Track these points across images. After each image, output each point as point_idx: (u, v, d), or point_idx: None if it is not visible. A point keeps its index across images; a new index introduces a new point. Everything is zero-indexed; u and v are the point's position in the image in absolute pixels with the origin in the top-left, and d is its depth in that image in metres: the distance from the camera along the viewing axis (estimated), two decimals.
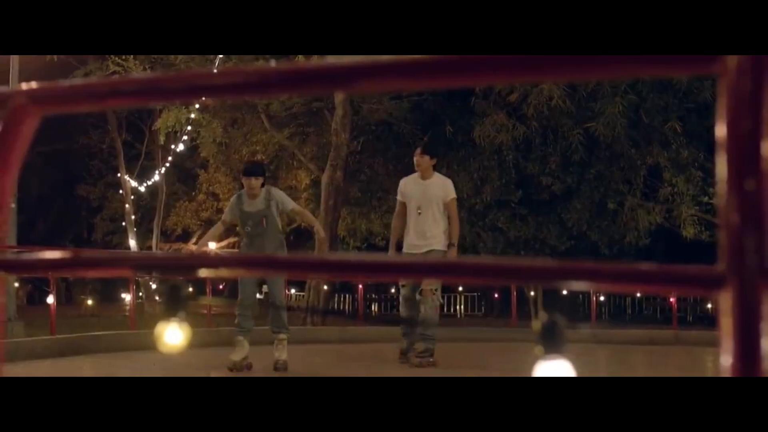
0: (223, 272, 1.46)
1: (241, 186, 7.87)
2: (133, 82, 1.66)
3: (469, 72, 1.39)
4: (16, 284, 12.23)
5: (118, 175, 26.06)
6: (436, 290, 7.98)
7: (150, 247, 27.01)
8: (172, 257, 1.50)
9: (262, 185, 7.67)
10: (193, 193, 27.81)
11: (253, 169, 7.73)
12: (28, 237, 26.08)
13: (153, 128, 19.83)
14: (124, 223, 26.95)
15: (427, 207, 7.99)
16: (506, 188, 16.75)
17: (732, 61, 1.19)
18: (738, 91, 1.19)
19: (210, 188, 25.99)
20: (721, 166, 1.16)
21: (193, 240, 29.55)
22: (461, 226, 10.52)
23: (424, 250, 7.92)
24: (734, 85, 1.18)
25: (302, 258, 1.45)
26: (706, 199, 16.51)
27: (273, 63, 1.46)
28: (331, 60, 1.39)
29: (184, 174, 28.43)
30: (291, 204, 7.84)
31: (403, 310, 8.35)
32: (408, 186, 8.21)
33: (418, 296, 8.03)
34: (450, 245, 7.98)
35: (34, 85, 1.59)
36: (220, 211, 27.36)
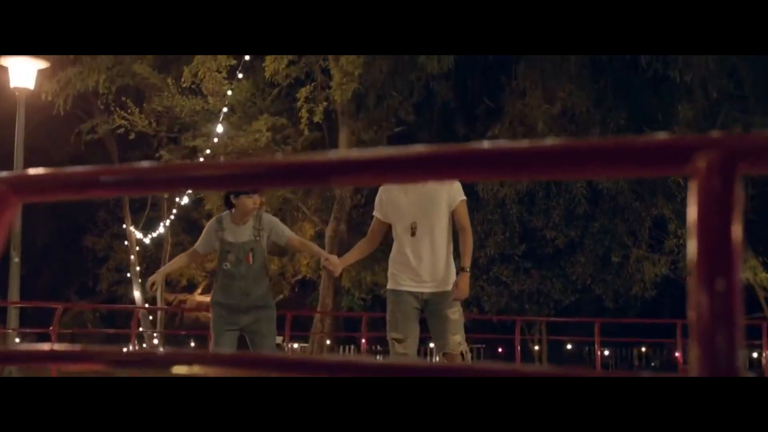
0: (201, 369, 1.44)
1: (228, 206, 5.85)
2: (115, 172, 1.66)
3: (442, 168, 1.39)
4: (17, 340, 12.20)
5: (124, 226, 26.14)
6: (465, 352, 5.52)
7: (154, 298, 27.00)
8: (148, 354, 1.49)
9: None
10: None
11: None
12: (33, 287, 26.08)
13: None
14: (129, 274, 26.96)
15: (426, 222, 5.42)
16: (510, 242, 16.71)
17: (702, 162, 1.19)
18: (709, 192, 1.19)
19: None
20: (692, 265, 1.16)
21: (198, 291, 29.51)
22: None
23: (427, 290, 5.42)
24: (705, 186, 1.18)
25: (296, 358, 1.44)
26: None
27: (279, 155, 1.47)
28: (309, 156, 1.40)
29: (190, 225, 28.46)
30: (287, 233, 6.03)
31: None
32: (392, 194, 5.51)
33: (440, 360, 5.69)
34: (461, 270, 5.48)
35: (15, 173, 1.59)
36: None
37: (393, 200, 5.49)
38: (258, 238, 5.81)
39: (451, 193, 5.49)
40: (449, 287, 5.41)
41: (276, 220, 6.09)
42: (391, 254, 5.58)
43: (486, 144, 1.33)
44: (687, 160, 1.21)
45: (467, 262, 5.52)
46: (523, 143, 1.32)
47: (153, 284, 5.93)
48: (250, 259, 5.72)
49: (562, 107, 13.95)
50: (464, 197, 5.53)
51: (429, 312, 5.45)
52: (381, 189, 5.64)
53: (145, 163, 1.48)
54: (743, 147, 1.21)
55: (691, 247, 1.19)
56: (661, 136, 1.30)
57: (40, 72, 12.62)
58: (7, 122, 13.36)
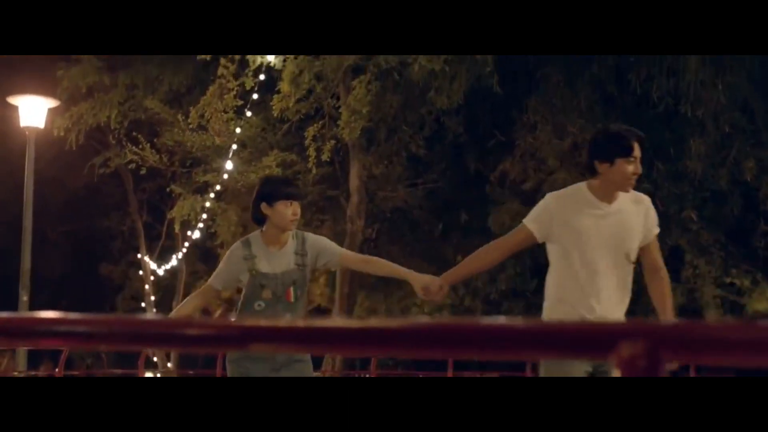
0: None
1: (258, 220, 4.50)
2: (59, 322, 1.59)
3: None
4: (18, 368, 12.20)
5: (139, 255, 26.25)
6: None
7: None
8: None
9: None
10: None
11: (294, 189, 4.59)
12: None
13: (168, 217, 19.99)
14: (143, 304, 27.06)
15: (613, 257, 4.18)
16: (521, 277, 16.61)
17: (627, 349, 1.18)
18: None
19: None
20: None
21: (217, 315, 29.51)
22: None
23: None
24: (628, 374, 1.15)
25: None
26: (728, 280, 16.36)
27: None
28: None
29: (205, 253, 28.53)
30: (338, 250, 4.61)
31: None
32: (571, 210, 4.21)
33: None
34: None
35: None
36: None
37: (573, 219, 4.20)
38: (302, 265, 4.41)
39: (648, 221, 4.30)
40: None
41: (321, 238, 4.66)
42: (554, 291, 4.34)
43: (392, 322, 1.29)
44: (611, 347, 1.20)
45: (672, 316, 4.33)
46: (439, 321, 1.29)
47: None
48: (292, 296, 4.37)
49: (573, 142, 13.90)
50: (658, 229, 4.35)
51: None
52: (552, 198, 4.33)
53: (104, 316, 1.43)
54: (667, 335, 1.20)
55: None
56: (587, 323, 1.28)
57: (51, 109, 12.66)
58: (20, 155, 13.37)
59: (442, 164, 16.61)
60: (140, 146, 16.74)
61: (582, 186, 4.28)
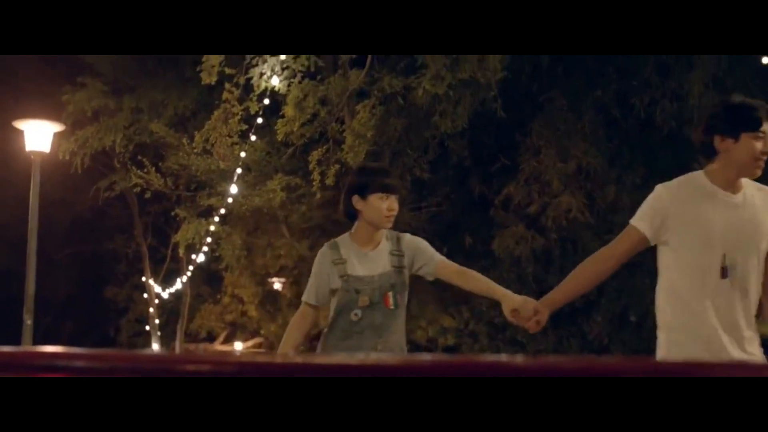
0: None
1: (349, 214, 4.03)
2: (59, 357, 1.60)
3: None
4: None
5: (143, 278, 26.26)
6: None
7: (174, 349, 26.96)
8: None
9: None
10: (218, 296, 27.85)
11: (392, 181, 4.00)
12: (56, 336, 26.30)
13: (173, 241, 20.01)
14: (148, 327, 27.05)
15: (739, 261, 3.52)
16: None
17: None
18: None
19: (235, 291, 26.03)
20: None
21: (220, 340, 29.36)
22: None
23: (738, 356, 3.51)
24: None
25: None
26: None
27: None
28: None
29: (210, 276, 28.52)
30: (437, 257, 4.02)
31: None
32: (691, 199, 3.59)
33: None
34: None
35: None
36: (244, 314, 27.27)
37: (692, 210, 3.57)
38: (399, 267, 3.93)
39: None
40: (758, 354, 3.62)
41: (418, 238, 4.09)
42: (667, 313, 3.78)
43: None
44: None
45: None
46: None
47: None
48: (391, 302, 3.90)
49: (577, 165, 13.90)
50: None
51: None
52: (663, 188, 3.65)
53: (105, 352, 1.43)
54: (667, 374, 1.20)
55: None
56: (585, 359, 1.28)
57: (57, 133, 12.67)
58: (25, 178, 13.38)
59: (446, 188, 16.59)
60: (145, 170, 16.78)
61: (698, 173, 3.63)
